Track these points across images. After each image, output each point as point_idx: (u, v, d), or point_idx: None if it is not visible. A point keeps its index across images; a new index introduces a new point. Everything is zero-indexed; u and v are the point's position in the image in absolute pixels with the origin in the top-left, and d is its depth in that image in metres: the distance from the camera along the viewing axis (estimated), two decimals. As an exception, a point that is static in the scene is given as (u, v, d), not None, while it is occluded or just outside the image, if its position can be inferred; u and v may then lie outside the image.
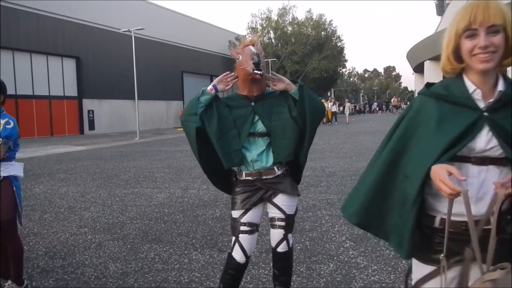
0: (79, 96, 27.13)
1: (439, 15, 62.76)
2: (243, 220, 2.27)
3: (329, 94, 52.60)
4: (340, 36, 46.03)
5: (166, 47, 33.82)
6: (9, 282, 2.89)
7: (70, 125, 26.75)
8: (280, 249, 2.34)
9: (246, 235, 2.27)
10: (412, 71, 56.60)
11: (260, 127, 2.27)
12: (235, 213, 2.30)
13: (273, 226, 2.34)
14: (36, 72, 24.53)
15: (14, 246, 2.84)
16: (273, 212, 2.33)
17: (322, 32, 42.63)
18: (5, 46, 22.07)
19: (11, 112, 23.13)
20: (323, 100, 33.37)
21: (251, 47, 2.17)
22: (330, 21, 43.68)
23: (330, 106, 28.91)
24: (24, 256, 3.05)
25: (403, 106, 55.80)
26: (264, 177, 2.28)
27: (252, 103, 2.28)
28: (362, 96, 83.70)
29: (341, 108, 34.21)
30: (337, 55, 44.78)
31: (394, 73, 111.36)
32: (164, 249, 3.86)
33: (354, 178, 7.21)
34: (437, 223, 1.37)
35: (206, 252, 3.71)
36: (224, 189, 2.50)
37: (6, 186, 2.77)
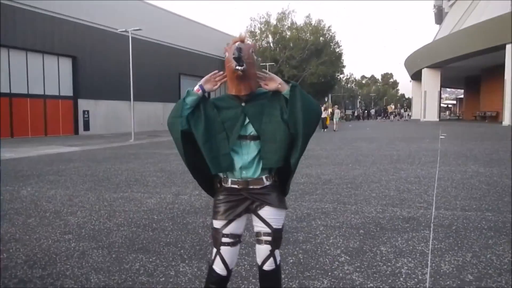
0: (74, 96, 26.92)
1: (437, 24, 63.14)
2: (225, 231, 2.11)
3: (326, 100, 52.50)
4: (338, 42, 46.01)
5: (163, 48, 33.68)
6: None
7: (64, 125, 26.51)
8: (267, 266, 2.16)
9: (228, 247, 2.12)
10: (410, 78, 56.84)
11: (251, 129, 2.10)
12: (217, 223, 2.14)
13: (259, 242, 2.16)
14: (31, 71, 24.31)
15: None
16: (258, 226, 2.16)
17: (321, 38, 42.49)
18: (1, 44, 21.86)
19: (5, 111, 23.02)
20: (323, 107, 32.68)
21: (237, 43, 2.01)
22: (329, 27, 43.60)
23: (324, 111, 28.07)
24: (2, 265, 2.87)
25: (403, 112, 55.78)
26: (251, 187, 2.11)
27: (243, 104, 2.10)
28: (360, 102, 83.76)
29: (329, 114, 31.86)
30: (335, 60, 44.67)
31: (391, 80, 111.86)
32: (150, 259, 3.68)
33: (350, 186, 7.06)
34: None
35: (194, 264, 3.54)
36: (210, 193, 2.32)
37: None
